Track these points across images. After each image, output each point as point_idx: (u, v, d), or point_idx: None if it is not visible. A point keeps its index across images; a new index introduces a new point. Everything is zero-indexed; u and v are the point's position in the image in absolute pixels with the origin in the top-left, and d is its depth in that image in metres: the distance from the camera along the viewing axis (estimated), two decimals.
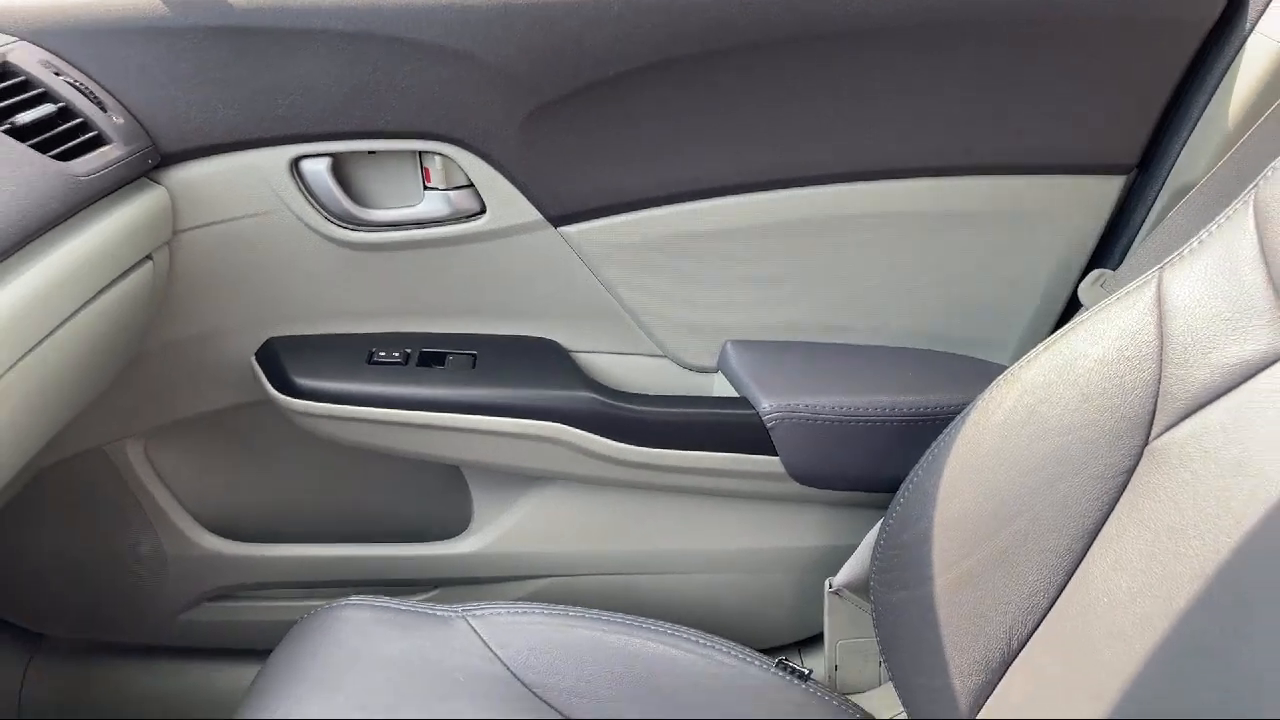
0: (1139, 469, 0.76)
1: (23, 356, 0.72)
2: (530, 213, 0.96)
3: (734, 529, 1.08)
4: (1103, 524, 0.77)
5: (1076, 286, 0.99)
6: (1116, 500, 0.77)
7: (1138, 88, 0.92)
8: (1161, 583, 0.70)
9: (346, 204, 0.95)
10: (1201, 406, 0.73)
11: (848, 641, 1.04)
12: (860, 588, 1.00)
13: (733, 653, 0.93)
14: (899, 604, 0.91)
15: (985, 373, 0.89)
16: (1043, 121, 0.92)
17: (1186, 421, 0.74)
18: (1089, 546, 0.78)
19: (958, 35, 0.89)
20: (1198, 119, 0.92)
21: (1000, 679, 0.82)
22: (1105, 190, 0.96)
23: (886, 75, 0.90)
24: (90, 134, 0.82)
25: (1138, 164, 0.96)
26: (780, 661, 0.95)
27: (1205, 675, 0.65)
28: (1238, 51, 0.89)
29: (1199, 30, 0.90)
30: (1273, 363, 0.70)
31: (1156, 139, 0.95)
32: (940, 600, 0.86)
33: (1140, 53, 0.91)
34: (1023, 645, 0.81)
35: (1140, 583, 0.72)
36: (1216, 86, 0.90)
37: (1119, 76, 0.92)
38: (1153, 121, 0.94)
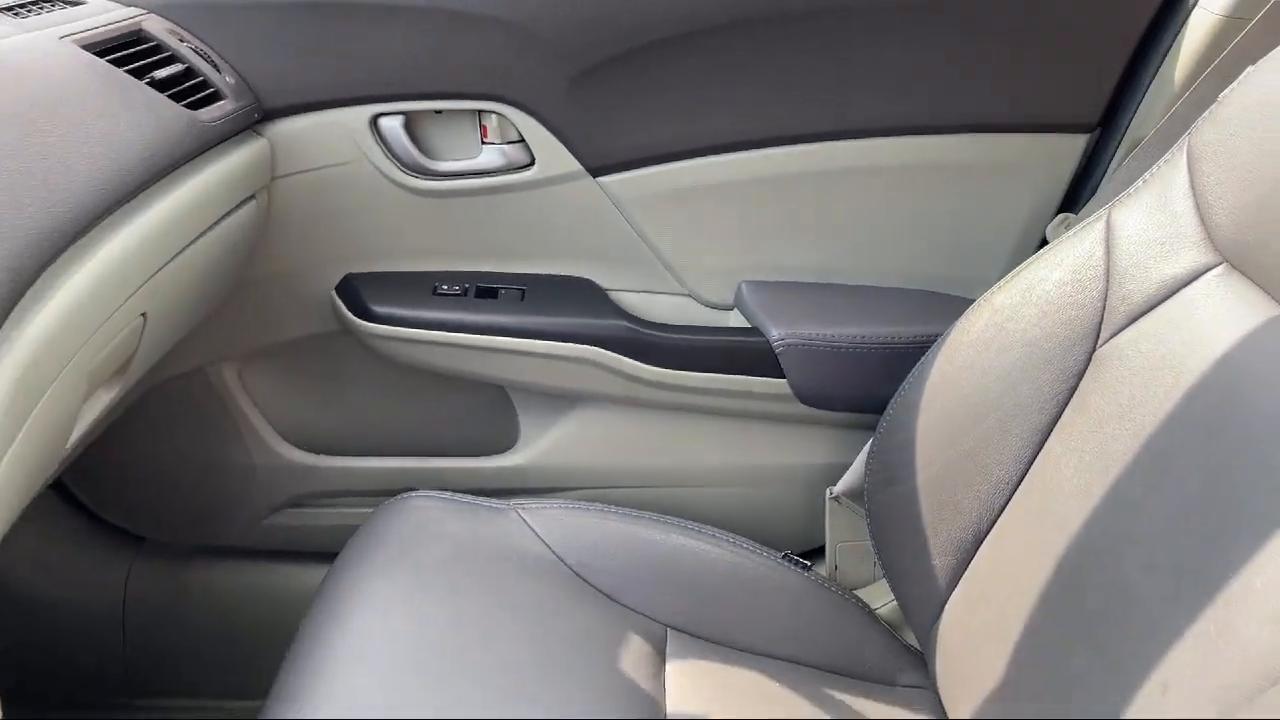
0: (1087, 372, 0.89)
1: (154, 274, 0.86)
2: (572, 164, 1.11)
3: (746, 446, 1.21)
4: (1058, 418, 0.90)
5: None
6: (1069, 398, 0.90)
7: (1098, 56, 1.05)
8: (1099, 460, 0.83)
9: (417, 156, 1.10)
10: (1139, 316, 0.86)
11: (846, 544, 1.17)
12: (856, 495, 1.13)
13: (750, 549, 1.06)
14: (887, 501, 1.04)
15: (964, 309, 1.02)
16: (1014, 86, 1.06)
17: (1127, 330, 0.86)
18: (1046, 439, 0.90)
19: (934, 10, 1.02)
20: (1150, 82, 1.05)
21: (971, 558, 0.95)
22: (1071, 146, 1.09)
23: (873, 46, 1.04)
24: (209, 90, 0.97)
25: (1099, 123, 1.09)
26: (786, 555, 1.08)
27: (1132, 525, 0.77)
28: (1184, 22, 1.01)
29: (1151, 5, 1.03)
30: (1197, 277, 0.82)
31: (1115, 101, 1.08)
32: (921, 493, 0.99)
33: (1100, 25, 1.04)
34: (991, 526, 0.93)
35: (1084, 462, 0.85)
36: (1165, 53, 1.03)
37: (1082, 46, 1.05)
38: (1111, 86, 1.07)
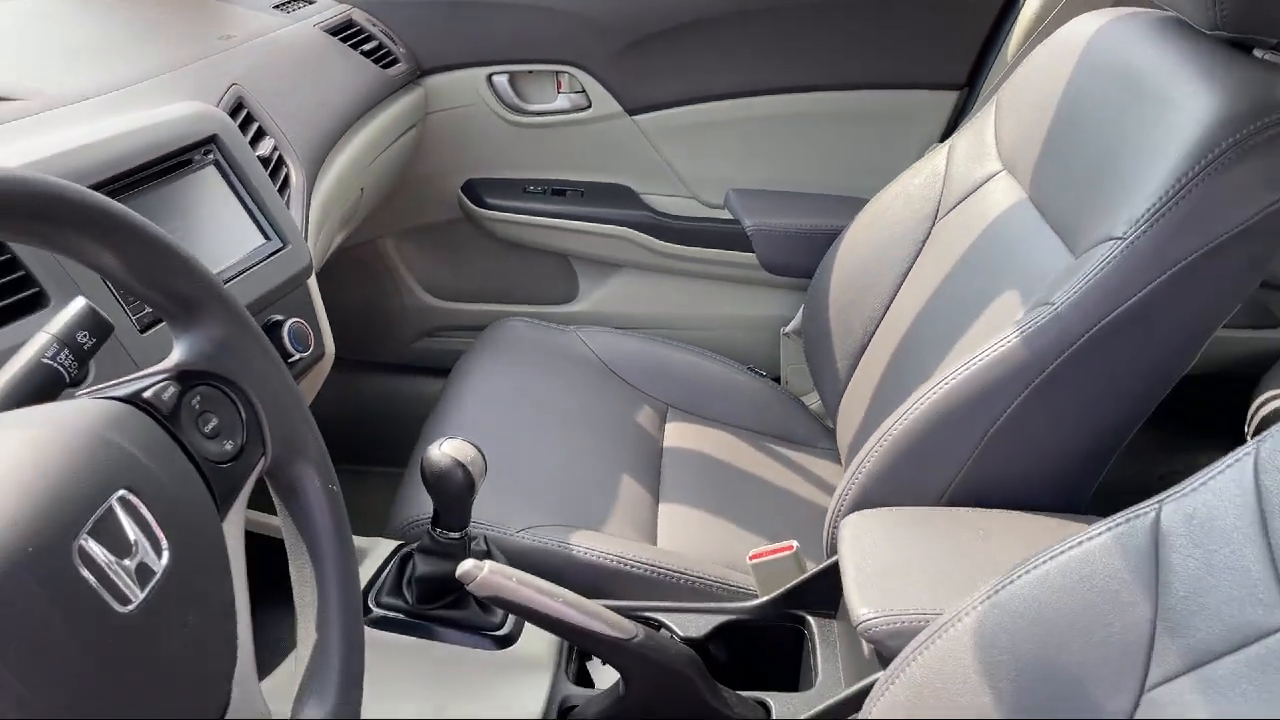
0: (927, 240, 1.35)
1: (368, 165, 1.38)
2: (616, 107, 1.61)
3: (727, 300, 1.72)
4: (910, 270, 1.37)
5: None
6: (917, 257, 1.37)
7: (963, 37, 1.51)
8: (926, 289, 1.31)
9: (515, 100, 1.61)
10: (960, 201, 1.32)
11: (793, 366, 1.67)
12: (799, 332, 1.62)
13: (733, 366, 1.56)
14: (813, 332, 1.52)
15: None
16: (905, 58, 1.53)
17: (955, 210, 1.33)
18: (902, 283, 1.38)
19: (849, 6, 1.49)
20: (998, 53, 1.50)
21: (859, 360, 1.43)
22: (944, 101, 1.56)
23: (811, 30, 1.53)
24: (391, 57, 1.49)
25: (965, 83, 1.55)
26: (751, 368, 1.59)
27: (930, 320, 1.25)
28: (1021, 5, 1.46)
29: None
30: (991, 178, 1.28)
31: (976, 67, 1.54)
32: (831, 322, 1.47)
33: (964, 12, 1.50)
34: (869, 339, 1.41)
35: (919, 292, 1.33)
36: (1012, 25, 1.48)
37: (952, 30, 1.51)
38: (973, 56, 1.53)
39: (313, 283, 1.11)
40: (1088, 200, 1.02)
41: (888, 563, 0.93)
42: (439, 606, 0.98)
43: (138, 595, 0.47)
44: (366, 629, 0.89)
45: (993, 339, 0.99)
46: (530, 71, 1.61)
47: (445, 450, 0.92)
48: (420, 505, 1.16)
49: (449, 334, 1.81)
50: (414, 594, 0.98)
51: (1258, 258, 0.92)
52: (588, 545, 1.12)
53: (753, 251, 1.64)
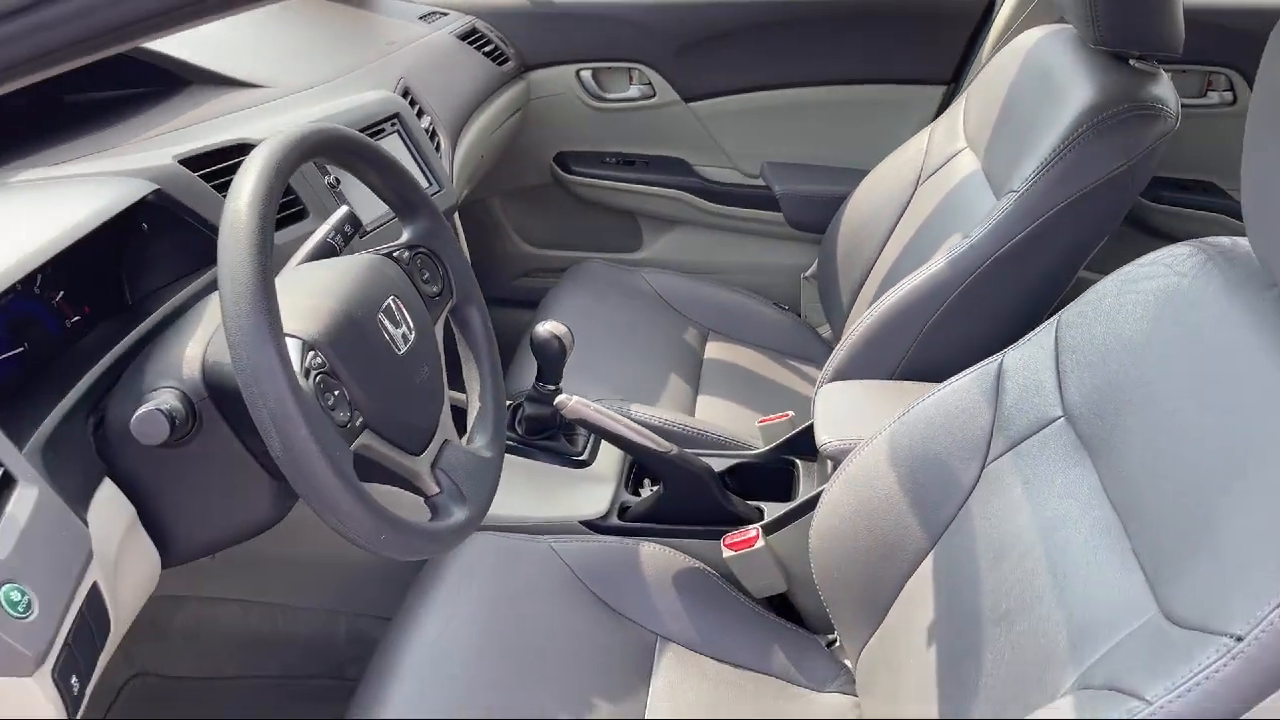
0: (913, 198, 1.71)
1: (487, 137, 1.79)
2: (675, 96, 2.00)
3: (761, 251, 2.11)
4: (899, 220, 1.73)
5: None
6: (902, 214, 1.72)
7: (947, 39, 1.86)
8: (905, 236, 1.67)
9: (597, 90, 2.02)
10: (935, 172, 1.68)
11: (812, 303, 2.04)
12: (816, 276, 1.99)
13: (763, 301, 1.94)
14: (824, 275, 1.88)
15: None
16: (899, 58, 1.89)
17: (931, 178, 1.68)
18: (892, 231, 1.73)
19: (852, 17, 1.86)
20: (977, 53, 1.84)
21: (855, 298, 1.79)
22: (933, 94, 1.91)
23: (823, 36, 1.90)
24: (503, 55, 1.89)
25: (951, 79, 1.90)
26: (776, 303, 1.96)
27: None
28: (997, 11, 1.80)
29: (980, 6, 1.82)
30: (960, 152, 1.63)
31: (960, 65, 1.88)
32: (838, 267, 1.83)
33: (948, 21, 1.84)
34: (864, 280, 1.77)
35: (905, 238, 1.68)
36: (986, 34, 1.82)
37: (939, 34, 1.86)
38: (958, 56, 1.88)
39: (458, 224, 1.52)
40: (1008, 166, 1.38)
41: (846, 410, 1.30)
42: (540, 439, 1.38)
43: (402, 349, 0.88)
44: None
45: (933, 263, 1.36)
46: (609, 68, 2.01)
47: (547, 327, 1.32)
48: (523, 380, 1.57)
49: (540, 275, 2.22)
50: (522, 429, 1.39)
51: (1108, 211, 1.27)
52: (642, 410, 1.52)
53: (780, 211, 2.01)
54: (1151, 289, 0.91)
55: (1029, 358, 1.03)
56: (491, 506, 1.20)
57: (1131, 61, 1.32)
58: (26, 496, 0.70)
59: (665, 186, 2.06)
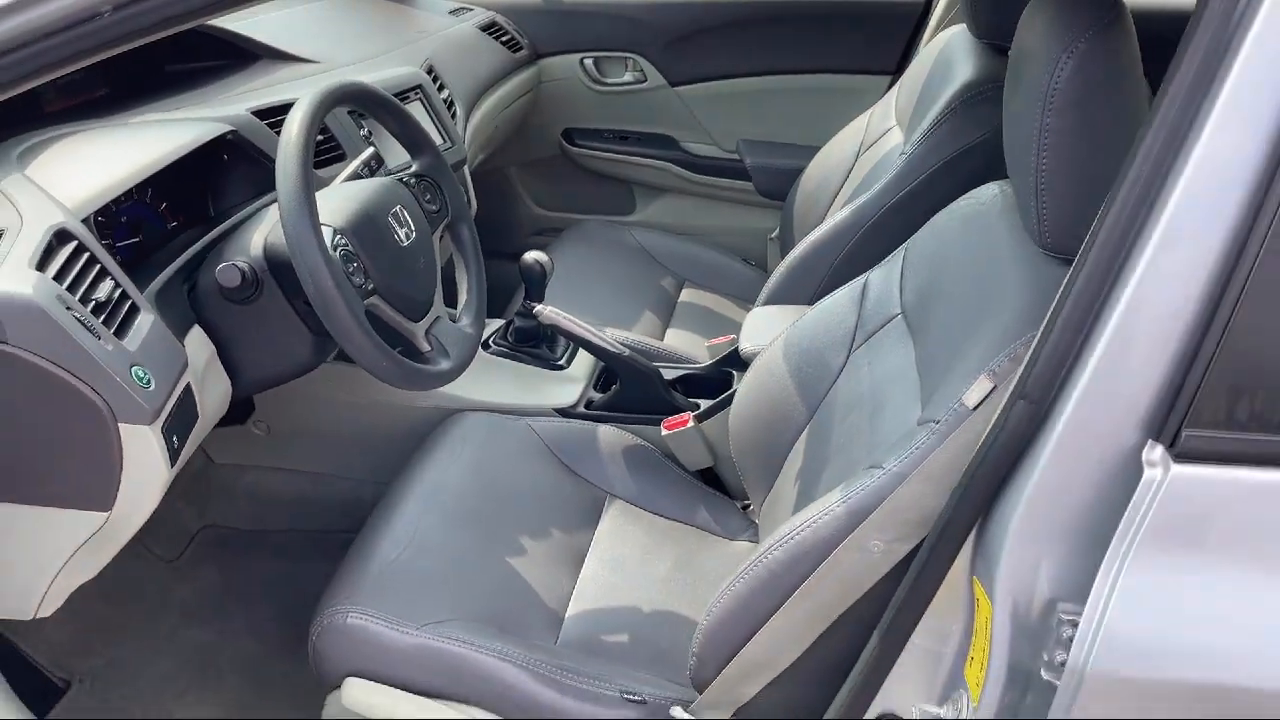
0: (853, 168, 1.99)
1: (502, 111, 2.09)
2: (663, 81, 2.30)
3: (734, 215, 2.41)
4: (842, 186, 2.01)
5: None
6: (845, 180, 2.00)
7: (893, 34, 2.13)
8: (845, 197, 1.95)
9: (598, 76, 2.32)
10: (870, 146, 1.95)
11: (775, 260, 2.32)
12: (778, 235, 2.27)
13: (734, 257, 2.22)
14: (784, 234, 2.17)
15: None
16: (850, 50, 2.17)
17: (867, 151, 1.95)
18: (836, 195, 2.02)
19: (806, 13, 2.14)
20: (918, 47, 2.11)
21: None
22: (880, 82, 2.18)
23: (787, 31, 2.17)
24: (518, 44, 2.20)
25: (895, 69, 2.17)
26: (744, 258, 2.25)
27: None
28: (933, 8, 2.07)
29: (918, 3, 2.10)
30: (890, 129, 1.90)
31: (904, 57, 2.15)
32: (794, 227, 2.12)
33: (893, 19, 2.12)
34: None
35: (845, 198, 1.97)
36: (924, 32, 2.08)
37: (886, 29, 2.13)
38: (901, 49, 2.15)
39: (467, 175, 1.83)
40: (912, 134, 1.65)
41: (765, 327, 1.59)
42: (526, 347, 1.69)
43: (406, 243, 1.19)
44: (486, 353, 1.61)
45: (843, 211, 1.64)
46: (608, 57, 2.31)
47: (532, 255, 1.63)
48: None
49: (551, 234, 2.52)
50: (513, 338, 1.69)
51: (978, 170, 1.54)
52: (616, 332, 1.81)
53: (751, 181, 2.30)
54: (961, 214, 1.20)
55: (886, 273, 1.32)
56: (484, 395, 1.53)
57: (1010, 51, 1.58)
58: (146, 319, 1.02)
59: (655, 159, 2.36)
